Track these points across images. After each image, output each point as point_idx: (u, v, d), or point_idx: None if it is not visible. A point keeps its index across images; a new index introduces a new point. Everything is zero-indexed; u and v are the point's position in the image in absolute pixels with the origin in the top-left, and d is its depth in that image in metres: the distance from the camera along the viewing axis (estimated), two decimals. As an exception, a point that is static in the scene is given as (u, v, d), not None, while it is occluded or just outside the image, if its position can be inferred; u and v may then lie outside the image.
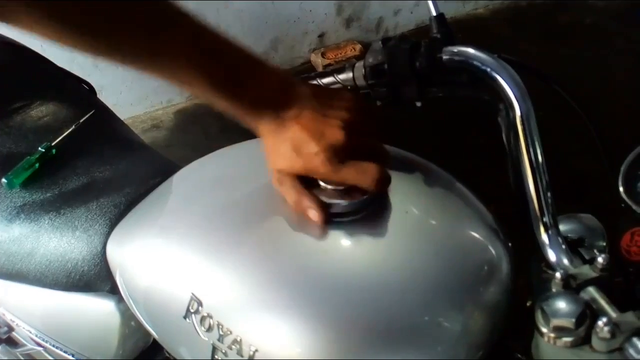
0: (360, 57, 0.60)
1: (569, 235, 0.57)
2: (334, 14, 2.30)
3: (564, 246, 0.53)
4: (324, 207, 0.57)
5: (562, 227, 0.56)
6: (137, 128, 1.90)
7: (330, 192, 0.57)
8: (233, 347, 0.52)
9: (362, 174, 0.55)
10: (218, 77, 0.54)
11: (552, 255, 0.53)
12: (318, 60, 2.29)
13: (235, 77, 0.55)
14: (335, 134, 0.55)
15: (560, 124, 1.07)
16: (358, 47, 2.34)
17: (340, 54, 2.32)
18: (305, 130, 0.56)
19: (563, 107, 0.61)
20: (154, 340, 0.69)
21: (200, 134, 1.97)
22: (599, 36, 2.37)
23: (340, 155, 0.55)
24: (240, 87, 0.55)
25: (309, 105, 0.57)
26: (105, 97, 0.99)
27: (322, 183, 0.57)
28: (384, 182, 0.56)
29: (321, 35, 2.36)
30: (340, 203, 0.56)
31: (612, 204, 0.56)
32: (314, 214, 0.56)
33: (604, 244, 0.57)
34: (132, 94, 1.99)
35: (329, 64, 2.26)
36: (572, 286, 0.50)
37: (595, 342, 0.46)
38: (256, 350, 0.51)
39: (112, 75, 1.90)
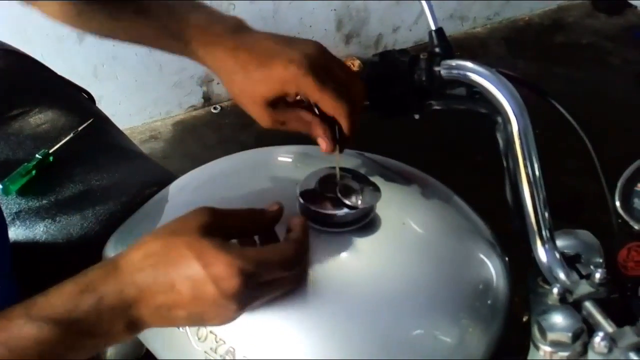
0: (359, 72, 0.60)
1: (566, 251, 0.57)
2: (333, 30, 2.32)
3: (560, 260, 0.53)
4: (330, 135, 0.53)
5: (559, 243, 0.56)
6: (135, 139, 1.90)
7: (327, 202, 0.56)
8: (226, 357, 0.52)
9: (341, 98, 0.51)
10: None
11: (548, 270, 0.53)
12: (317, 75, 2.31)
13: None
14: (309, 46, 0.50)
15: (556, 143, 1.08)
16: (357, 62, 2.36)
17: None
18: (271, 45, 0.50)
19: (558, 126, 0.61)
20: (147, 352, 0.68)
21: (198, 145, 1.97)
22: (595, 56, 2.40)
23: (317, 68, 0.50)
24: (197, 6, 0.55)
25: (271, 34, 0.53)
26: (103, 107, 0.99)
27: (321, 192, 0.57)
28: (356, 123, 0.53)
29: (320, 51, 2.38)
30: (336, 214, 0.56)
31: (607, 220, 0.56)
32: (322, 145, 0.54)
33: (601, 260, 0.57)
34: (131, 105, 1.99)
35: (328, 79, 2.27)
36: (568, 301, 0.50)
37: (591, 356, 0.46)
38: (250, 360, 0.51)
39: (111, 86, 1.90)
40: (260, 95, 0.52)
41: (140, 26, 0.59)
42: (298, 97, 0.55)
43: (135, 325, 0.44)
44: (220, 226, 0.45)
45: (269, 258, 0.44)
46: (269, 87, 0.52)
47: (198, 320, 0.45)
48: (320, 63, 0.51)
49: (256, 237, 0.51)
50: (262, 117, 0.55)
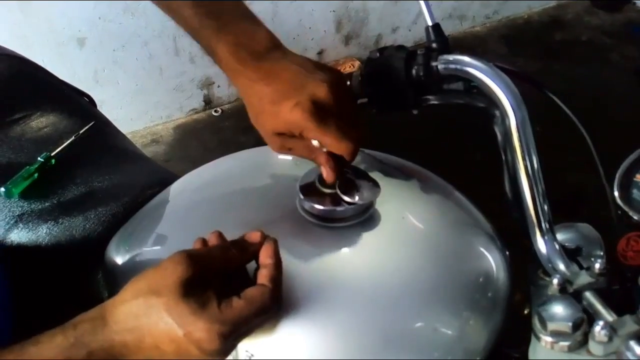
0: (358, 75, 0.61)
1: (567, 244, 0.57)
2: (333, 31, 2.33)
3: (560, 252, 0.53)
4: (333, 164, 0.56)
5: (560, 236, 0.56)
6: (136, 143, 1.89)
7: (327, 198, 0.57)
8: (230, 352, 0.52)
9: (343, 139, 0.53)
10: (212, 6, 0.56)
11: (548, 261, 0.53)
12: (317, 77, 2.31)
13: (227, 9, 0.57)
14: (319, 88, 0.54)
15: (556, 140, 1.08)
16: (357, 63, 2.36)
17: (339, 70, 2.33)
18: (287, 82, 0.54)
19: (559, 123, 0.61)
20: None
21: (199, 148, 1.98)
22: (594, 53, 2.39)
23: (322, 111, 0.53)
24: (229, 17, 0.57)
25: (296, 61, 0.56)
26: (105, 112, 0.99)
27: (321, 188, 0.57)
28: (355, 154, 0.56)
29: (320, 52, 2.38)
30: (336, 209, 0.56)
31: (607, 215, 0.56)
32: (325, 174, 0.57)
33: (601, 252, 0.57)
34: (132, 109, 2.00)
35: (328, 80, 2.26)
36: (568, 291, 0.50)
37: (592, 346, 0.46)
38: (252, 356, 0.51)
39: (112, 90, 1.91)
40: (270, 127, 0.57)
41: (185, 24, 0.60)
42: None
43: None
44: (199, 276, 0.47)
45: (246, 313, 0.46)
46: (276, 124, 0.56)
47: None
48: (328, 104, 0.54)
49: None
50: (271, 143, 0.59)
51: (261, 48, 0.57)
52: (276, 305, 0.49)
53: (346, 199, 0.56)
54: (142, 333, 0.45)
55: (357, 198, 0.56)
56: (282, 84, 0.54)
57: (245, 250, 0.51)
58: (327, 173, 0.57)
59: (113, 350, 0.45)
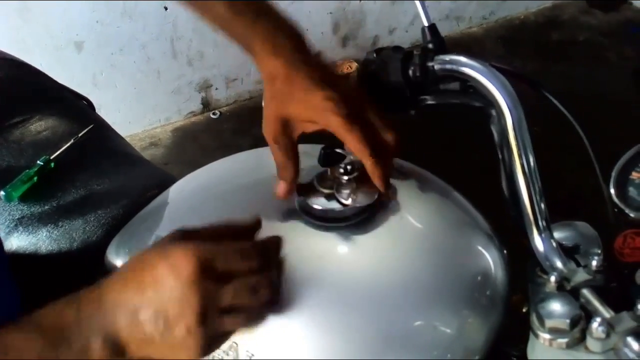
0: (358, 75, 0.62)
1: (564, 242, 0.58)
2: (330, 32, 2.33)
3: (557, 249, 0.54)
4: (294, 183, 0.57)
5: (558, 235, 0.56)
6: (135, 146, 1.89)
7: (327, 197, 0.57)
8: (230, 352, 0.52)
9: (367, 139, 0.54)
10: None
11: (545, 259, 0.53)
12: (315, 79, 2.31)
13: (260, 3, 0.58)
14: (348, 87, 0.57)
15: (555, 141, 1.08)
16: (354, 65, 2.36)
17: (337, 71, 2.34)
18: (321, 76, 0.56)
19: (557, 124, 0.62)
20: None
21: (197, 151, 1.98)
22: (591, 53, 2.40)
23: (352, 110, 0.54)
24: (266, 7, 0.58)
25: (322, 60, 0.59)
26: (103, 115, 1.00)
27: (319, 188, 0.58)
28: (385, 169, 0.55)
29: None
30: (334, 209, 0.56)
31: (604, 211, 0.56)
32: (280, 187, 0.58)
33: (599, 250, 0.57)
34: (131, 112, 2.00)
35: (326, 82, 2.27)
36: (566, 289, 0.51)
37: (590, 342, 0.46)
38: (252, 356, 0.51)
39: (110, 94, 1.91)
40: (293, 118, 0.56)
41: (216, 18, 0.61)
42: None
43: (113, 343, 0.44)
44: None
45: (226, 248, 0.46)
46: (305, 114, 0.56)
47: (166, 327, 0.44)
48: (356, 101, 0.56)
49: None
50: (272, 129, 0.58)
51: (295, 36, 0.59)
52: (265, 278, 0.47)
53: (343, 201, 0.56)
54: (126, 275, 0.46)
55: (353, 200, 0.56)
56: (317, 77, 0.56)
57: (239, 230, 0.51)
58: (281, 188, 0.58)
59: (101, 298, 0.45)
